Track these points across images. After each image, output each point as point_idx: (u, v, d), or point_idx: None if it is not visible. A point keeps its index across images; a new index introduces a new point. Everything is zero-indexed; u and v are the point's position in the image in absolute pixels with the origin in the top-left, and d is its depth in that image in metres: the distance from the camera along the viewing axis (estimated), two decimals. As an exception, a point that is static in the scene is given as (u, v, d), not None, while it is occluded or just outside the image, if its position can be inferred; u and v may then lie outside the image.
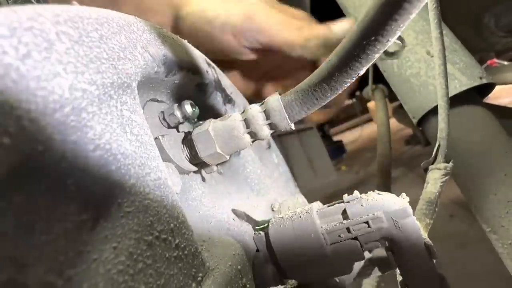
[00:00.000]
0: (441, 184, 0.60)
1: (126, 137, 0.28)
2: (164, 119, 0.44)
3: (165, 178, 0.31)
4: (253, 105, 0.42)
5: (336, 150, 3.85)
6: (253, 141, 0.43)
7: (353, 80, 0.36)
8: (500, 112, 1.16)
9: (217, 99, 0.57)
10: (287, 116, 0.40)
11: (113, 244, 0.23)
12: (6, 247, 0.18)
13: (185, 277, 0.29)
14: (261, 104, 0.42)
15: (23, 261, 0.18)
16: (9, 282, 0.17)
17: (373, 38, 0.30)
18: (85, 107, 0.23)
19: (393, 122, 1.92)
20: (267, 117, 0.41)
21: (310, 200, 0.62)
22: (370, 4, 0.29)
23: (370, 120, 7.92)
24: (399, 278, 0.44)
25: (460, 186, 0.81)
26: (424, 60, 0.86)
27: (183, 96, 0.50)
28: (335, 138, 4.39)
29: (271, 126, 0.41)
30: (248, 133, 0.42)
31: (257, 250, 0.44)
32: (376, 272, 0.52)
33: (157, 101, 0.46)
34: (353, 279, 0.54)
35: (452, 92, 0.77)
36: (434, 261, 0.38)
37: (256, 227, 0.44)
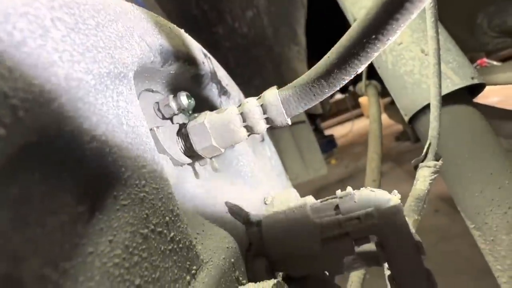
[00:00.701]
0: (430, 181, 0.61)
1: (122, 128, 0.27)
2: (159, 110, 0.44)
3: (160, 170, 0.31)
4: (250, 98, 0.42)
5: (328, 144, 3.88)
6: (249, 135, 0.43)
7: (351, 78, 0.36)
8: (489, 112, 1.19)
9: (212, 91, 0.56)
10: (284, 111, 0.40)
11: (109, 237, 0.23)
12: (1, 240, 0.17)
13: (179, 270, 0.29)
14: (258, 98, 0.42)
15: (18, 254, 0.18)
16: (4, 277, 0.17)
17: (373, 36, 0.29)
18: (81, 97, 0.23)
19: (384, 117, 1.95)
20: (264, 111, 0.40)
21: (300, 193, 0.63)
22: (372, 3, 0.28)
23: (361, 115, 7.99)
24: (387, 272, 0.45)
25: (447, 183, 0.83)
26: (418, 58, 0.87)
27: (178, 87, 0.49)
28: (326, 132, 4.42)
29: (268, 120, 0.41)
30: (244, 126, 0.41)
31: (250, 243, 0.45)
32: (364, 266, 0.53)
33: (152, 91, 0.45)
34: (342, 272, 0.55)
35: (444, 91, 0.78)
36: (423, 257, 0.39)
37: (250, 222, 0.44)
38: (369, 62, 0.34)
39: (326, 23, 1.82)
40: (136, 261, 0.24)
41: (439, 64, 0.64)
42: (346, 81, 0.36)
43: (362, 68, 0.34)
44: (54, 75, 0.21)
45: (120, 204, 0.25)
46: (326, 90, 0.37)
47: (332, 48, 0.35)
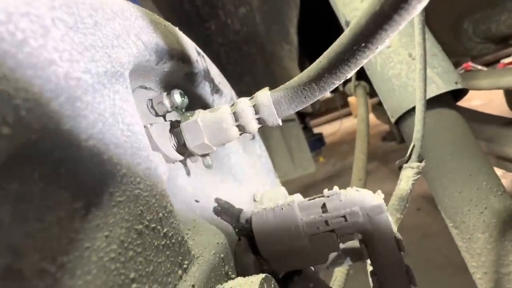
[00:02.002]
0: (413, 182, 0.64)
1: (118, 126, 0.28)
2: (152, 107, 0.44)
3: (154, 168, 0.32)
4: (242, 98, 0.43)
5: (316, 142, 3.93)
6: (240, 134, 0.44)
7: (341, 82, 0.37)
8: (470, 115, 1.24)
9: (205, 89, 0.57)
10: (275, 112, 0.41)
11: (105, 232, 0.23)
12: (1, 235, 0.18)
13: (172, 265, 0.30)
14: (251, 99, 0.43)
15: (18, 248, 0.18)
16: (5, 269, 0.17)
17: (363, 44, 0.31)
18: (79, 96, 0.23)
19: (371, 117, 1.99)
20: (256, 111, 0.42)
21: (288, 190, 0.64)
22: (362, 13, 0.30)
23: (349, 114, 8.10)
24: (369, 268, 0.47)
25: (429, 183, 0.87)
26: (406, 62, 0.89)
27: (171, 84, 0.49)
28: (315, 131, 4.47)
29: (260, 120, 0.42)
30: (237, 126, 0.42)
31: (239, 239, 0.46)
32: (348, 262, 0.55)
33: (146, 88, 0.45)
34: (326, 268, 0.57)
35: (429, 95, 0.81)
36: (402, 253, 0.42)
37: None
38: (358, 68, 0.35)
39: (318, 23, 1.83)
40: (131, 255, 0.25)
41: (425, 69, 0.67)
42: (336, 85, 0.38)
43: (351, 73, 0.36)
44: (54, 74, 0.21)
45: (116, 201, 0.25)
46: (317, 93, 0.38)
47: (324, 53, 0.36)
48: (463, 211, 0.76)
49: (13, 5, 0.19)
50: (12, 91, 0.18)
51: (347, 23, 1.01)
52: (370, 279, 0.47)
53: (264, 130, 2.04)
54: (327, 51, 0.35)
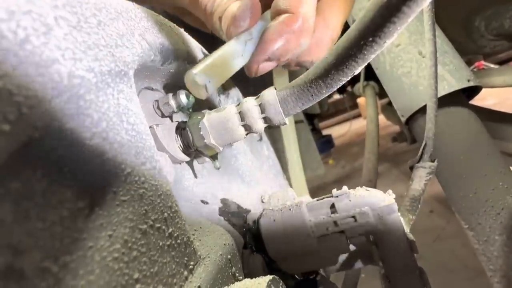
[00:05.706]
0: (425, 182, 0.62)
1: (123, 126, 0.27)
2: (158, 108, 0.44)
3: (159, 168, 0.32)
4: (248, 98, 0.43)
5: (325, 144, 3.88)
6: (247, 134, 0.43)
7: (348, 79, 0.36)
8: (484, 114, 1.20)
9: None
10: (282, 111, 0.40)
11: (109, 232, 0.23)
12: (3, 234, 0.18)
13: (177, 265, 0.29)
14: (257, 98, 0.42)
15: (19, 247, 0.18)
16: (6, 268, 0.17)
17: (370, 39, 0.30)
18: (82, 94, 0.23)
19: (381, 118, 1.96)
20: (262, 110, 0.41)
21: (297, 192, 0.63)
22: (369, 6, 0.29)
23: (359, 115, 8.01)
24: (381, 270, 0.46)
25: (442, 184, 0.84)
26: (416, 60, 0.88)
27: (178, 85, 0.49)
28: (324, 132, 4.42)
29: (266, 120, 0.42)
30: (243, 125, 0.42)
31: (247, 240, 0.45)
32: (359, 264, 0.54)
33: (152, 89, 0.45)
34: (337, 270, 0.56)
35: (441, 93, 0.79)
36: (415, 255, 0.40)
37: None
38: (366, 64, 0.34)
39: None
40: (135, 255, 0.24)
41: (435, 66, 0.65)
42: (344, 82, 0.37)
43: (359, 69, 0.35)
44: (57, 72, 0.21)
45: (120, 200, 0.25)
46: (324, 91, 0.38)
47: (331, 49, 0.35)
48: (479, 213, 0.74)
49: (15, 4, 0.20)
50: (14, 88, 0.18)
51: (355, 22, 1.00)
52: (382, 283, 0.45)
53: (273, 132, 2.03)
54: (333, 47, 0.34)
